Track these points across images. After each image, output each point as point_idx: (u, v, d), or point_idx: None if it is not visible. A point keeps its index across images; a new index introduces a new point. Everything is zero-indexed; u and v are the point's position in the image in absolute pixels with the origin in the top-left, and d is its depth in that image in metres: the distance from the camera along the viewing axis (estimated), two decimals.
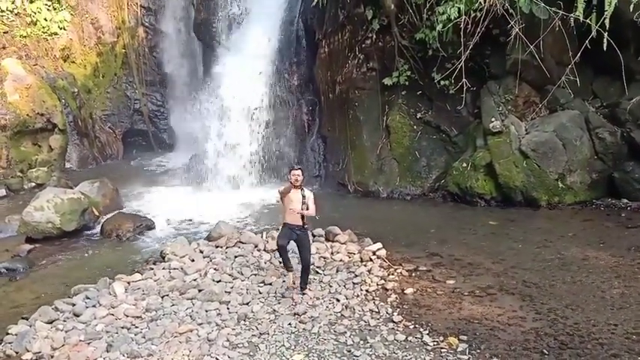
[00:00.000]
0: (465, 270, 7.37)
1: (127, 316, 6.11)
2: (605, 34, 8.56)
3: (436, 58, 11.49)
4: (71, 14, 17.20)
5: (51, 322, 6.07)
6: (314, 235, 8.62)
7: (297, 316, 6.04)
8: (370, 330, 5.72)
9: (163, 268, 7.59)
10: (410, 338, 5.51)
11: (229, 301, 6.44)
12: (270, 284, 6.91)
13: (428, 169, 12.28)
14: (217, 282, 7.04)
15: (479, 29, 9.99)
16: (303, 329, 5.76)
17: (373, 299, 6.48)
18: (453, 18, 10.08)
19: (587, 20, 8.94)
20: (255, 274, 7.26)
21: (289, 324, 5.88)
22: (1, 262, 8.40)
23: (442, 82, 11.52)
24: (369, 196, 12.32)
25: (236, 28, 15.11)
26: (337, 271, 7.32)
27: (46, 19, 16.28)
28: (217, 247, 8.35)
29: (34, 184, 13.72)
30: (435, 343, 5.40)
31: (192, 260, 7.84)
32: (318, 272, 7.31)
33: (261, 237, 8.69)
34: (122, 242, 9.57)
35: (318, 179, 13.72)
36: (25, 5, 15.85)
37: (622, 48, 9.10)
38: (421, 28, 11.43)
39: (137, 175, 15.76)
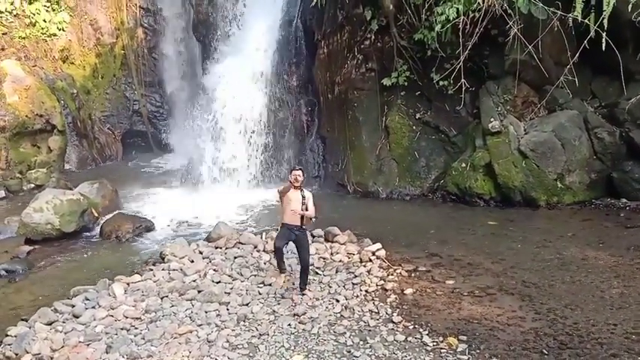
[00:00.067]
0: (465, 270, 7.37)
1: (127, 318, 6.11)
2: (604, 34, 8.58)
3: (435, 59, 11.50)
4: (70, 15, 17.19)
5: (50, 324, 6.06)
6: (313, 236, 8.63)
7: (296, 316, 6.04)
8: (370, 330, 5.72)
9: (163, 269, 7.58)
10: (409, 339, 5.52)
11: (229, 302, 6.44)
12: (270, 285, 6.91)
13: (427, 169, 12.29)
14: (217, 283, 7.04)
15: (477, 30, 10.01)
16: (303, 330, 5.76)
17: (373, 300, 6.48)
18: (451, 18, 10.09)
19: (586, 20, 8.95)
20: (255, 275, 7.26)
21: (289, 325, 5.88)
22: (0, 263, 8.39)
23: (441, 83, 11.53)
24: (369, 197, 12.33)
25: (235, 29, 15.12)
26: (337, 272, 7.32)
27: (45, 21, 16.28)
28: (217, 248, 8.35)
29: (33, 185, 13.71)
30: (435, 343, 5.40)
31: (192, 261, 7.83)
32: (317, 273, 7.31)
33: (261, 238, 8.69)
34: (121, 243, 9.56)
35: (318, 180, 13.73)
36: (24, 6, 15.84)
37: (620, 48, 9.12)
38: (420, 28, 11.45)
39: (136, 176, 15.77)
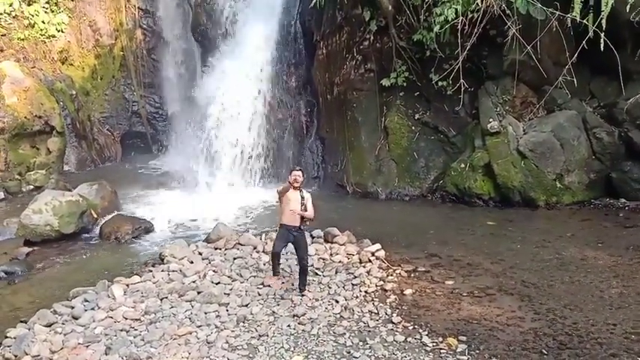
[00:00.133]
0: (464, 270, 7.37)
1: (126, 319, 6.10)
2: (602, 35, 8.59)
3: (434, 59, 11.52)
4: (69, 17, 17.18)
5: (49, 326, 6.05)
6: (313, 237, 8.63)
7: (296, 317, 6.04)
8: (369, 331, 5.72)
9: (162, 271, 7.58)
10: (409, 339, 5.52)
11: (228, 303, 6.44)
12: (269, 286, 6.91)
13: (426, 169, 12.29)
14: (216, 284, 7.03)
15: (476, 30, 10.02)
16: (303, 331, 5.76)
17: (372, 300, 6.49)
18: (450, 19, 10.11)
19: (584, 21, 8.97)
20: (255, 276, 7.25)
21: (288, 325, 5.87)
22: None
23: (440, 83, 11.55)
24: (368, 197, 12.33)
25: (234, 30, 15.12)
26: (336, 273, 7.32)
27: (43, 22, 16.27)
28: (216, 249, 8.35)
29: (32, 186, 13.69)
30: (435, 343, 5.40)
31: (191, 262, 7.83)
32: (317, 273, 7.31)
33: (260, 239, 8.70)
34: (121, 244, 9.55)
35: (317, 180, 13.74)
36: (23, 8, 15.83)
37: (619, 48, 9.15)
38: (419, 29, 11.46)
39: (135, 177, 15.76)
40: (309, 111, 14.48)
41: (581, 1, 8.93)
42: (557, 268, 7.26)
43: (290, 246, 6.84)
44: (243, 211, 11.58)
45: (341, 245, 8.31)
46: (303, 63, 14.56)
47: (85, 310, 6.35)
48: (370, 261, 7.71)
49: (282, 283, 6.94)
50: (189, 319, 6.10)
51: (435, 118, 12.40)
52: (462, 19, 9.97)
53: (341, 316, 6.07)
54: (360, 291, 6.74)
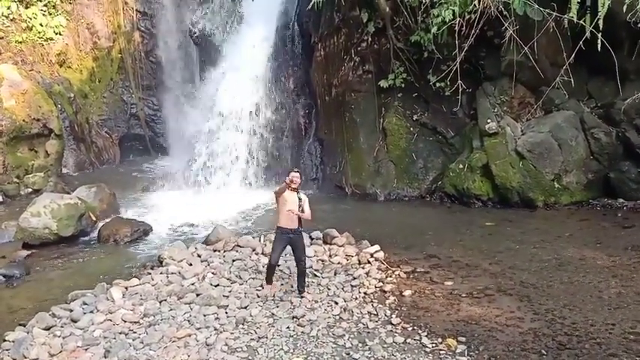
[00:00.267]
0: (463, 271, 7.38)
1: (125, 322, 6.09)
2: (599, 35, 8.61)
3: (431, 60, 11.54)
4: (67, 19, 17.15)
5: (48, 329, 6.03)
6: (312, 238, 8.64)
7: (295, 319, 6.03)
8: (369, 332, 5.72)
9: (161, 273, 7.56)
10: (408, 340, 5.52)
11: (227, 305, 6.42)
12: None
13: (425, 170, 12.31)
14: (215, 286, 7.02)
15: (473, 31, 10.04)
16: (302, 332, 5.75)
17: (371, 301, 6.48)
18: (447, 20, 10.12)
19: (581, 21, 8.99)
20: (254, 278, 7.25)
21: (288, 327, 5.87)
22: None
23: (438, 84, 11.57)
24: (367, 199, 12.34)
25: (233, 31, 15.15)
26: (335, 274, 7.32)
27: (41, 25, 16.25)
28: (215, 251, 8.34)
29: (30, 189, 13.65)
30: (434, 344, 5.40)
31: (190, 264, 7.81)
32: (316, 275, 7.31)
33: (259, 240, 8.69)
34: (119, 247, 9.54)
35: (316, 182, 13.73)
36: (21, 11, 15.82)
37: (616, 48, 9.17)
38: (416, 30, 11.49)
39: (134, 179, 15.72)
40: (308, 112, 14.48)
41: (578, 2, 8.95)
42: (556, 268, 7.27)
43: (288, 248, 6.83)
44: (242, 213, 11.57)
45: (340, 247, 8.31)
46: (301, 65, 14.58)
47: (84, 313, 6.33)
48: (369, 262, 7.71)
49: (281, 284, 6.93)
50: (189, 321, 6.09)
51: (433, 119, 12.42)
52: (460, 20, 9.99)
53: (340, 318, 6.07)
54: (360, 292, 6.74)
